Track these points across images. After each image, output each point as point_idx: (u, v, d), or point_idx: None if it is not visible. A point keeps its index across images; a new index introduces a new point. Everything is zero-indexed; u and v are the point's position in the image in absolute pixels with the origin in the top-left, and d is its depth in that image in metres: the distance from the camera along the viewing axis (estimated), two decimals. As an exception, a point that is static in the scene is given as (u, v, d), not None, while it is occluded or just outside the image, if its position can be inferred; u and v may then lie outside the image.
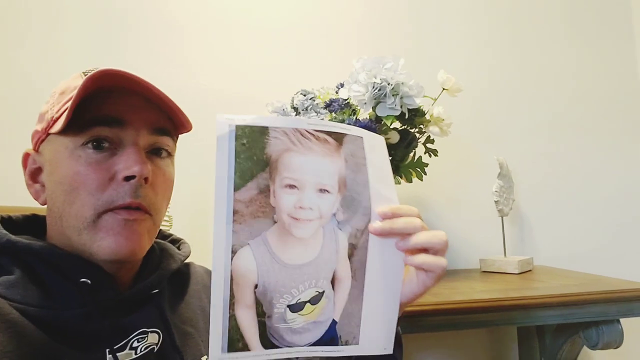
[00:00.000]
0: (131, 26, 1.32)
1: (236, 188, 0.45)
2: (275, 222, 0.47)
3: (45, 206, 0.56)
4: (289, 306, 0.48)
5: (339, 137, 0.50)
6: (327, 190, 0.49)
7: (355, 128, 0.52)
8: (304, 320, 0.48)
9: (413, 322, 0.86)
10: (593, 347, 0.97)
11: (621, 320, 0.94)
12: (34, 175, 0.57)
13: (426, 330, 0.89)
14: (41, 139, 0.55)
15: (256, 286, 0.46)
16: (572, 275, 1.15)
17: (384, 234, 0.51)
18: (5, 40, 1.28)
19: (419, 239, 0.50)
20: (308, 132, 0.48)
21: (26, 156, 0.57)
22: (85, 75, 0.54)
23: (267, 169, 0.46)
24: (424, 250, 0.51)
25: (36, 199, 0.56)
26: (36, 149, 0.56)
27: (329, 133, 0.49)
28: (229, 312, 0.44)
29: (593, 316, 0.92)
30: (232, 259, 0.45)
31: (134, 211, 0.51)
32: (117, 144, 0.52)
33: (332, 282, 0.50)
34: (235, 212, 0.45)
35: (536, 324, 1.16)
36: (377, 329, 0.52)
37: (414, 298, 0.54)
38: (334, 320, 0.50)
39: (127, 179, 0.51)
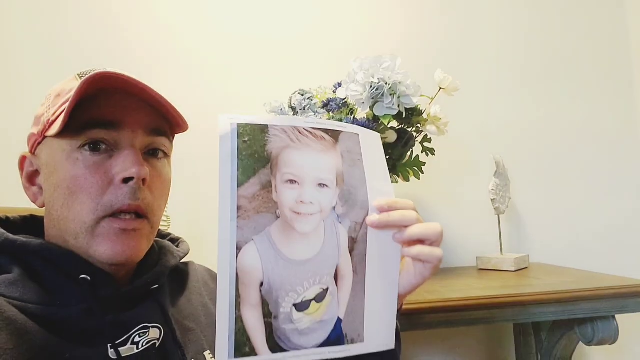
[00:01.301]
0: (130, 27, 1.32)
1: (239, 184, 0.46)
2: (278, 217, 0.47)
3: (44, 208, 0.56)
4: (295, 305, 0.48)
5: (335, 135, 0.52)
6: (326, 185, 0.50)
7: (351, 125, 0.54)
8: (310, 320, 0.49)
9: (410, 319, 0.86)
10: (589, 343, 0.98)
11: (616, 316, 0.95)
12: (31, 178, 0.57)
13: (423, 327, 0.89)
14: (37, 141, 0.55)
15: (262, 284, 0.46)
16: (568, 272, 1.16)
17: (380, 226, 0.52)
18: (3, 41, 1.28)
19: (415, 230, 0.52)
20: (305, 129, 0.50)
21: (23, 159, 0.58)
22: (81, 77, 0.54)
23: (269, 165, 0.48)
24: (420, 241, 0.52)
25: (34, 201, 0.56)
26: (33, 151, 0.57)
27: (325, 130, 0.51)
28: (235, 313, 0.44)
29: (588, 312, 0.93)
30: (237, 256, 0.45)
31: (130, 221, 0.52)
32: (113, 146, 0.52)
33: (335, 278, 0.50)
34: (239, 208, 0.45)
35: (532, 321, 1.17)
36: (379, 325, 0.52)
37: (412, 289, 0.55)
38: (339, 318, 0.51)
39: (126, 181, 0.51)
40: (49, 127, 0.53)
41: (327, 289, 0.50)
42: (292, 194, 0.48)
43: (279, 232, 0.47)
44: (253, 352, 0.45)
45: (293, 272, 0.48)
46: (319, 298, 0.49)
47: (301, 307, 0.48)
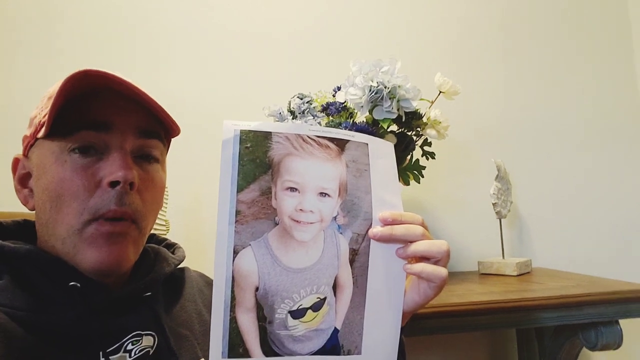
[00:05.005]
0: (129, 30, 1.32)
1: (239, 189, 0.47)
2: (276, 224, 0.48)
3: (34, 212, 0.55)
4: (290, 312, 0.48)
5: (341, 143, 0.51)
6: (327, 194, 0.50)
7: (361, 135, 0.53)
8: (305, 328, 0.48)
9: (411, 324, 0.85)
10: (592, 348, 0.97)
11: (620, 321, 0.93)
12: (23, 180, 0.56)
13: (425, 333, 0.88)
14: (30, 143, 0.55)
15: (257, 289, 0.47)
16: (571, 276, 1.15)
17: (383, 239, 0.51)
18: (1, 44, 1.27)
19: (418, 247, 0.50)
20: (310, 137, 0.50)
21: (16, 161, 0.57)
22: None
23: (270, 172, 0.48)
24: (425, 258, 0.51)
25: (25, 204, 0.56)
26: (25, 154, 0.56)
27: (331, 139, 0.51)
28: (230, 314, 0.45)
29: (592, 317, 0.91)
30: (233, 260, 0.45)
31: (117, 222, 0.51)
32: (103, 148, 0.51)
33: (334, 288, 0.50)
34: (237, 213, 0.46)
35: (535, 326, 1.16)
36: (380, 339, 0.51)
37: (416, 308, 0.54)
38: (335, 328, 0.50)
39: (112, 184, 0.50)
40: (40, 129, 0.52)
41: (325, 298, 0.49)
42: (292, 201, 0.48)
43: (277, 239, 0.48)
44: (247, 354, 0.46)
45: (289, 279, 0.48)
46: (316, 307, 0.49)
47: (297, 314, 0.48)
